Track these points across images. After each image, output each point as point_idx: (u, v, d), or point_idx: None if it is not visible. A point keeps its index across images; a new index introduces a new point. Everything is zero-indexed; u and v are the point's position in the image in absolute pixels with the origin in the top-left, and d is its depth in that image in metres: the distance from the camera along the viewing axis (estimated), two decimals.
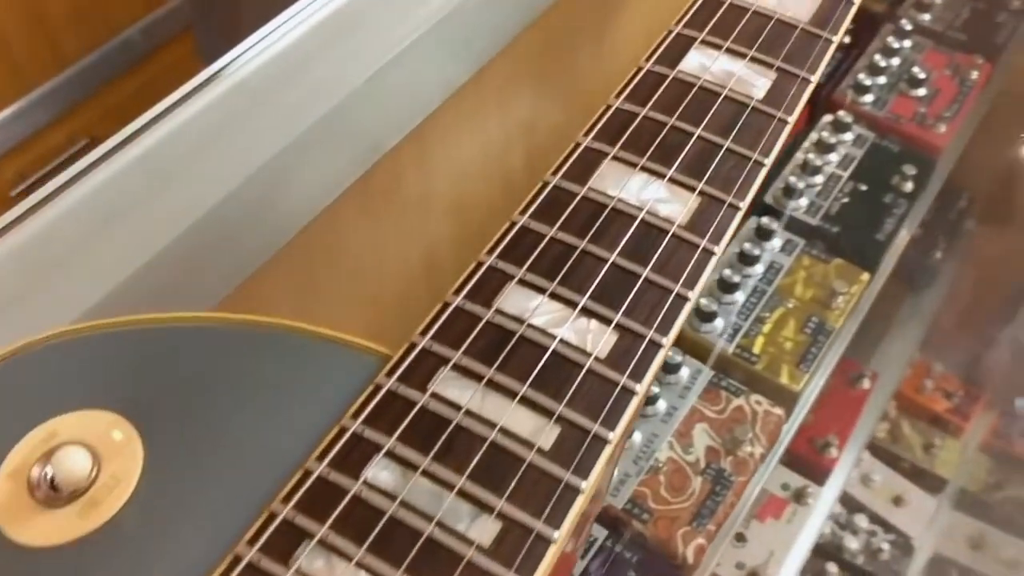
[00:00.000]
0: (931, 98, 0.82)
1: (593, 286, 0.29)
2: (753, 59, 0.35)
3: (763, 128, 0.33)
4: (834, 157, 0.78)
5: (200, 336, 0.30)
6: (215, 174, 0.45)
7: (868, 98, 0.82)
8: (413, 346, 0.30)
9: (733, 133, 0.33)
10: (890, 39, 0.85)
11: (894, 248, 0.74)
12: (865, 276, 0.71)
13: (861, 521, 1.10)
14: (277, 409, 0.29)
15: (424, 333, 0.30)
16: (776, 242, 0.72)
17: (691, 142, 0.32)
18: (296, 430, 0.28)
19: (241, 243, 0.50)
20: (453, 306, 0.31)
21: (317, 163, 0.52)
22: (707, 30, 0.36)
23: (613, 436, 0.27)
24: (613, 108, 0.35)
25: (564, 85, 0.73)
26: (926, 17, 0.89)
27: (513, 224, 0.33)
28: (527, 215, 0.33)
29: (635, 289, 0.29)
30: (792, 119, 0.34)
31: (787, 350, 0.67)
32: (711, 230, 0.31)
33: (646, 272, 0.30)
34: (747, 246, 0.70)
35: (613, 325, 0.29)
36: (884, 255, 0.73)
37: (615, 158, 0.32)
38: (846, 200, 0.75)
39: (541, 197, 0.33)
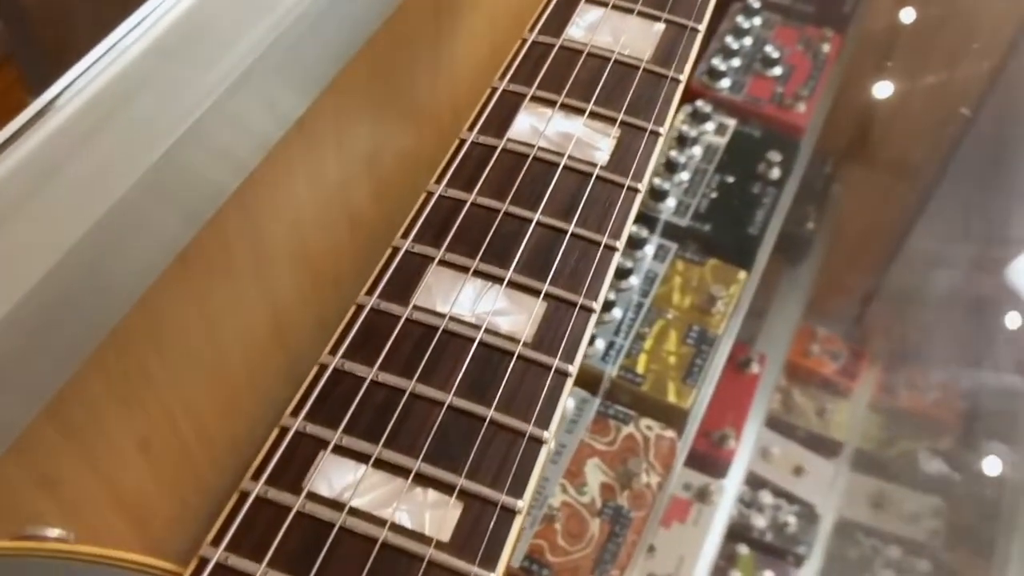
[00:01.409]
0: (787, 76, 0.80)
1: (429, 440, 0.24)
2: (593, 114, 0.31)
3: (611, 201, 0.29)
4: (697, 151, 0.75)
5: None
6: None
7: (724, 83, 0.79)
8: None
9: (576, 214, 0.28)
10: (739, 19, 0.82)
11: (767, 240, 0.71)
12: (742, 275, 0.69)
13: (765, 497, 1.09)
14: None
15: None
16: (649, 249, 0.69)
17: (529, 232, 0.28)
18: None
19: (52, 342, 0.43)
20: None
21: (136, 236, 0.46)
22: (536, 83, 0.31)
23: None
24: (436, 195, 0.30)
25: (403, 107, 0.67)
26: None
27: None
28: (339, 354, 0.27)
29: (481, 438, 0.25)
30: (643, 185, 0.30)
31: (671, 365, 0.64)
32: (563, 342, 0.26)
33: (490, 414, 0.25)
34: (619, 260, 0.66)
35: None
36: (758, 250, 0.70)
37: (443, 262, 0.28)
38: (714, 195, 0.72)
39: (357, 323, 0.28)
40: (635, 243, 0.68)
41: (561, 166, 0.29)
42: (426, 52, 0.68)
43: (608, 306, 0.65)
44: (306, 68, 0.53)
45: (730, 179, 0.73)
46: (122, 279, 0.44)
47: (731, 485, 0.88)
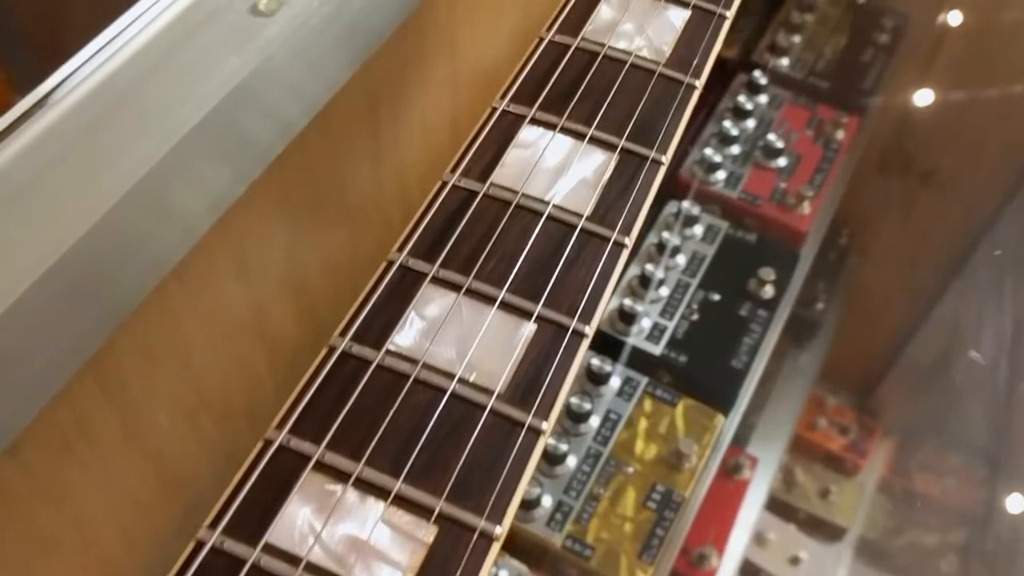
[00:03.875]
0: (792, 168, 0.70)
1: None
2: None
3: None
4: (681, 260, 0.65)
5: None
6: None
7: (718, 176, 0.69)
8: None
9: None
10: (741, 98, 0.72)
11: (752, 375, 0.62)
12: (719, 420, 0.59)
13: None
14: None
15: None
16: (614, 383, 0.60)
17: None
18: None
19: None
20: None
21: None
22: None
23: None
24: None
25: (334, 213, 0.59)
26: (783, 62, 0.76)
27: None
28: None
29: None
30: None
31: (626, 535, 0.55)
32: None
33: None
34: (574, 401, 0.57)
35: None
36: (741, 388, 0.61)
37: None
38: (695, 317, 0.63)
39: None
40: (597, 377, 0.59)
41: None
42: (362, 150, 0.59)
43: (558, 458, 0.56)
44: (210, 179, 0.45)
45: (715, 297, 0.64)
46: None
47: None
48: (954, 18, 0.82)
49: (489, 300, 0.25)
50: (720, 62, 0.78)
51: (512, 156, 0.29)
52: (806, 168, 0.70)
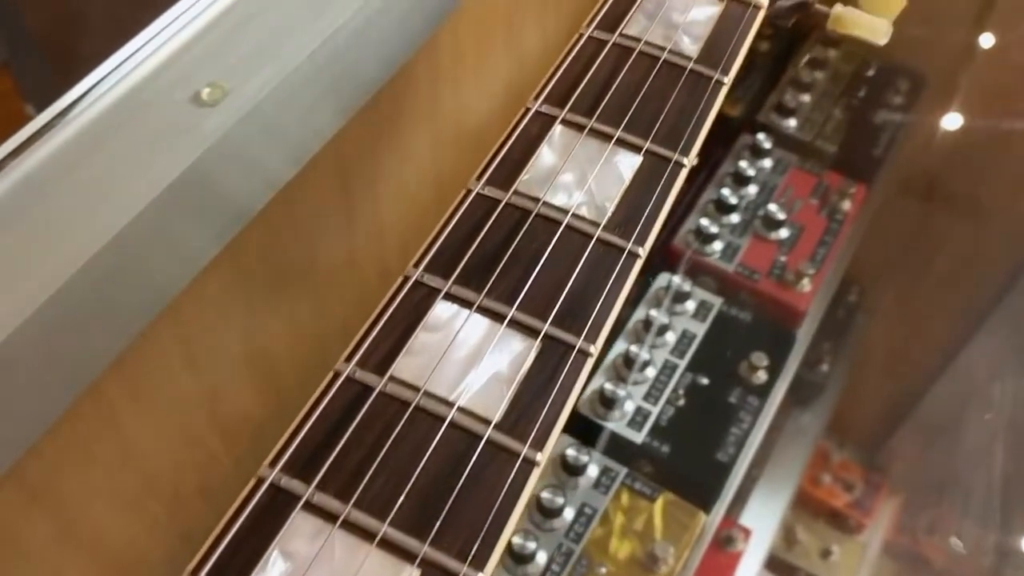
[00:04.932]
0: (793, 240, 0.67)
1: None
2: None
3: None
4: (670, 338, 0.62)
5: None
6: None
7: (715, 247, 0.66)
8: None
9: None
10: (743, 163, 0.68)
11: (739, 468, 0.58)
12: (700, 518, 0.56)
13: None
14: None
15: None
16: (591, 472, 0.57)
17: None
18: None
19: None
20: None
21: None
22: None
23: None
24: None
25: (295, 281, 0.56)
26: (791, 124, 0.72)
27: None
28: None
29: None
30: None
31: None
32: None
33: None
34: (546, 495, 0.54)
35: None
36: (726, 483, 0.57)
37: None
38: (681, 403, 0.60)
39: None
40: (573, 469, 0.56)
41: None
42: (333, 219, 0.56)
43: (526, 557, 0.53)
44: (151, 272, 0.42)
45: (704, 381, 0.60)
46: None
47: None
48: (974, 78, 0.77)
49: (368, 536, 0.21)
50: (723, 121, 0.75)
51: (420, 342, 0.25)
52: (809, 240, 0.67)
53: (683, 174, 0.29)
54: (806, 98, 0.73)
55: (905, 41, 0.75)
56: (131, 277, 0.38)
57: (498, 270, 0.26)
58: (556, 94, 0.30)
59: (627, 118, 0.29)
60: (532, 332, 0.26)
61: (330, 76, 0.44)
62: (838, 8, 0.44)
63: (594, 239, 0.27)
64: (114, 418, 0.45)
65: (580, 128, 0.29)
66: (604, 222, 0.27)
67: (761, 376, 0.61)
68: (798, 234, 0.67)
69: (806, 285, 0.64)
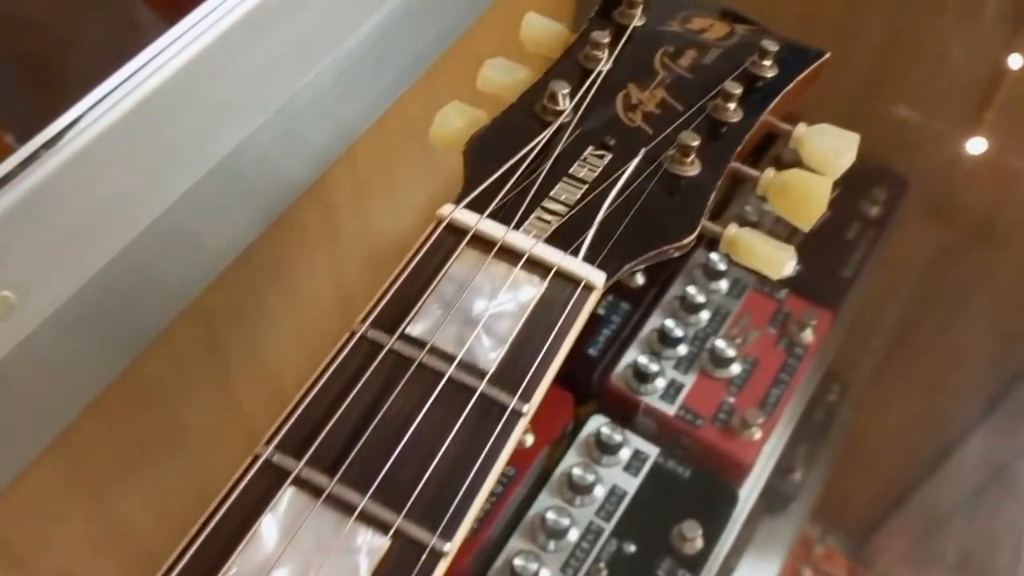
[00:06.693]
0: (744, 379, 0.60)
1: None
2: None
3: None
4: (599, 493, 0.55)
5: None
6: None
7: (656, 386, 0.59)
8: None
9: None
10: (691, 290, 0.62)
11: None
12: None
13: None
14: None
15: None
16: None
17: None
18: None
19: None
20: None
21: None
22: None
23: None
24: None
25: (156, 452, 0.50)
26: None
27: None
28: None
29: None
30: None
31: None
32: None
33: None
34: None
35: None
36: None
37: None
38: (604, 575, 0.53)
39: None
40: None
41: None
42: (205, 377, 0.50)
43: None
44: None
45: (630, 548, 0.54)
46: None
47: None
48: (967, 183, 0.70)
49: None
50: None
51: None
52: (762, 379, 0.60)
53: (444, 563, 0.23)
54: (768, 207, 0.66)
55: (886, 141, 0.68)
56: None
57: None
58: (291, 442, 0.24)
59: (375, 485, 0.23)
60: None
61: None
62: (732, 231, 0.38)
63: None
64: None
65: (317, 493, 0.23)
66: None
67: (698, 544, 0.54)
68: (750, 371, 0.60)
69: (755, 433, 0.58)
